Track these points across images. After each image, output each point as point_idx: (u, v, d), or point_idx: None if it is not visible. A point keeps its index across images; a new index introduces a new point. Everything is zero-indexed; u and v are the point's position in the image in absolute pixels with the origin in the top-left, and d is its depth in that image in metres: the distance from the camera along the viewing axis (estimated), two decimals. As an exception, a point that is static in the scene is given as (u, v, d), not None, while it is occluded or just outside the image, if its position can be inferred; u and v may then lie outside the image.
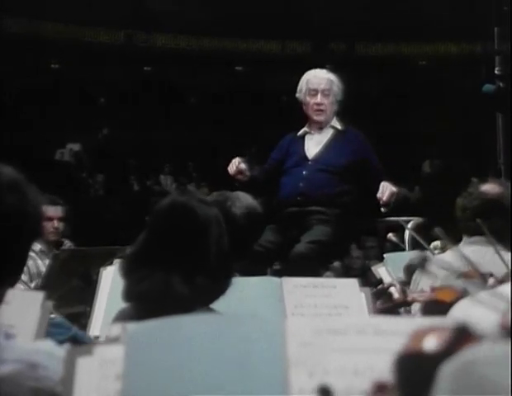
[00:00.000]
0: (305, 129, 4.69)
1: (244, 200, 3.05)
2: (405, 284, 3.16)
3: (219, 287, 2.08)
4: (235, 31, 18.74)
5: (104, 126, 18.10)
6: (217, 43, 19.23)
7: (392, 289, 3.39)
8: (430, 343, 0.91)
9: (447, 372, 0.85)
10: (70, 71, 18.13)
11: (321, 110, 4.58)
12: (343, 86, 4.64)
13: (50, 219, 5.08)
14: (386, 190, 4.40)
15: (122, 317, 2.08)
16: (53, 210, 5.11)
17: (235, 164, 4.52)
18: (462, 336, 0.91)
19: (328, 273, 4.65)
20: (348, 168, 4.50)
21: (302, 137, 4.67)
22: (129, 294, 2.08)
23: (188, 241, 2.06)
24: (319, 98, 4.56)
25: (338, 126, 4.64)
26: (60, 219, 5.14)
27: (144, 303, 2.00)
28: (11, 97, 17.43)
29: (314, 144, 4.61)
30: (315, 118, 4.60)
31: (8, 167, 1.34)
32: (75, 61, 17.96)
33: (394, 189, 4.42)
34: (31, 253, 4.87)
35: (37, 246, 4.97)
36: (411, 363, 0.91)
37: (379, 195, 4.40)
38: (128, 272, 2.10)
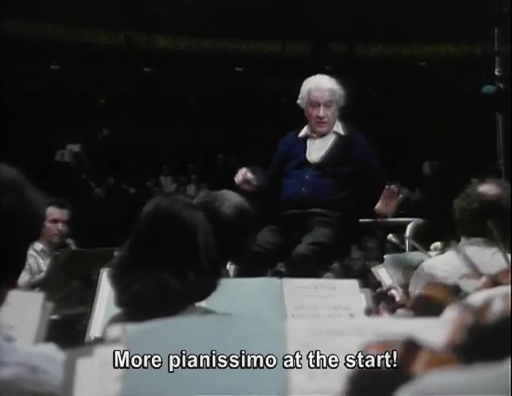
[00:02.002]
0: (306, 131, 4.64)
1: (232, 199, 3.04)
2: (405, 286, 3.16)
3: (210, 284, 2.09)
4: (235, 32, 18.76)
5: (104, 127, 18.11)
6: (217, 44, 19.24)
7: (393, 292, 3.39)
8: (385, 359, 0.91)
9: None
10: (70, 72, 18.14)
11: (324, 123, 4.55)
12: (344, 92, 4.60)
13: (55, 221, 5.09)
14: (387, 202, 4.39)
15: (116, 321, 2.08)
16: (59, 213, 5.12)
17: (242, 174, 4.50)
18: (411, 349, 0.91)
19: (328, 274, 4.65)
20: (350, 174, 4.49)
21: (304, 139, 4.63)
22: (121, 300, 2.08)
23: (176, 244, 2.07)
24: (321, 111, 4.51)
25: (341, 132, 4.60)
26: (65, 222, 5.15)
27: (138, 305, 1.99)
28: (11, 98, 17.45)
29: (316, 149, 4.58)
30: (318, 129, 4.57)
31: (8, 166, 1.34)
32: (75, 62, 17.97)
33: (394, 202, 4.41)
34: (33, 252, 4.89)
35: (39, 245, 4.99)
36: (364, 380, 0.91)
37: (378, 207, 4.41)
38: (117, 278, 2.10)
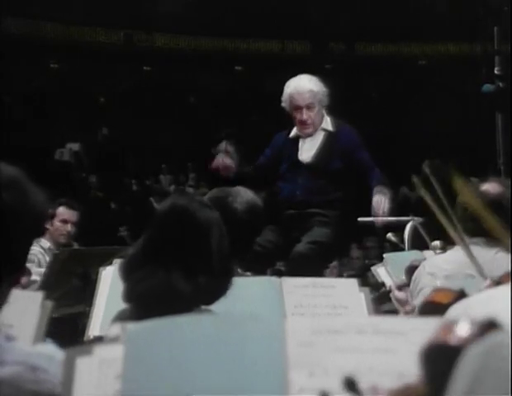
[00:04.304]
0: (296, 131, 4.63)
1: (244, 196, 3.05)
2: (406, 285, 3.15)
3: (221, 287, 2.07)
4: (235, 31, 18.75)
5: (103, 126, 18.10)
6: (217, 43, 19.23)
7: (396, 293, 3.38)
8: (459, 335, 0.91)
9: (472, 354, 0.84)
10: (70, 71, 18.13)
11: (307, 125, 4.53)
12: (327, 89, 4.55)
13: (65, 221, 5.16)
14: (379, 206, 4.38)
15: (122, 318, 2.07)
16: (69, 214, 5.21)
17: (220, 161, 4.49)
18: (490, 329, 0.91)
19: (334, 263, 4.65)
20: (343, 170, 4.49)
21: (295, 139, 4.62)
22: (129, 295, 2.07)
23: (190, 243, 2.05)
24: (304, 115, 4.47)
25: (330, 128, 4.58)
26: (74, 224, 5.22)
27: (145, 303, 1.99)
28: (10, 96, 17.43)
29: (307, 149, 4.57)
30: (303, 132, 4.56)
31: (10, 165, 1.34)
32: (75, 61, 17.96)
33: (387, 202, 4.39)
34: (40, 249, 4.94)
35: (46, 243, 5.04)
36: (439, 354, 0.91)
37: (374, 211, 4.39)
38: (128, 273, 2.09)
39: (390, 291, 3.42)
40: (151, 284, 2.01)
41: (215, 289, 2.06)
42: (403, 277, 3.40)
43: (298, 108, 4.49)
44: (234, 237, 2.89)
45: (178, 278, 1.99)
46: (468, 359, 0.84)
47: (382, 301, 3.49)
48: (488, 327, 0.91)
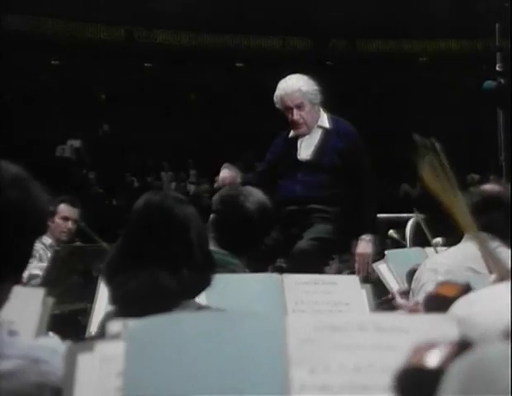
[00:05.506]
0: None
1: (256, 195, 3.07)
2: (409, 292, 3.14)
3: (204, 279, 2.09)
4: (236, 28, 18.75)
5: (104, 123, 18.11)
6: (218, 39, 19.24)
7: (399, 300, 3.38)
8: (433, 358, 0.90)
9: (457, 370, 0.83)
10: (71, 67, 18.14)
11: (299, 125, 4.54)
12: (318, 87, 4.56)
13: (66, 218, 5.18)
14: (361, 266, 4.48)
15: (110, 318, 2.07)
16: (70, 211, 5.22)
17: (226, 175, 4.51)
18: (464, 350, 0.90)
19: (335, 260, 4.70)
20: (342, 166, 4.49)
21: (293, 139, 4.63)
22: (115, 297, 2.07)
23: (169, 239, 2.06)
24: (294, 115, 4.49)
25: (326, 125, 4.58)
26: (75, 221, 5.24)
27: (132, 303, 1.98)
28: (11, 93, 17.44)
29: (305, 147, 4.58)
30: (297, 131, 4.57)
31: (13, 163, 1.35)
32: (76, 57, 17.97)
33: (370, 256, 4.48)
34: (42, 246, 4.95)
35: (47, 240, 5.05)
36: (413, 378, 0.90)
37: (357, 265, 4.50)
38: (111, 275, 2.10)
39: (392, 299, 3.42)
40: (135, 283, 2.01)
41: (198, 282, 2.07)
42: (404, 275, 3.39)
43: (289, 109, 4.51)
44: (244, 235, 2.91)
45: (161, 273, 2.00)
46: (451, 377, 0.83)
47: (385, 308, 3.49)
48: (463, 346, 0.90)
